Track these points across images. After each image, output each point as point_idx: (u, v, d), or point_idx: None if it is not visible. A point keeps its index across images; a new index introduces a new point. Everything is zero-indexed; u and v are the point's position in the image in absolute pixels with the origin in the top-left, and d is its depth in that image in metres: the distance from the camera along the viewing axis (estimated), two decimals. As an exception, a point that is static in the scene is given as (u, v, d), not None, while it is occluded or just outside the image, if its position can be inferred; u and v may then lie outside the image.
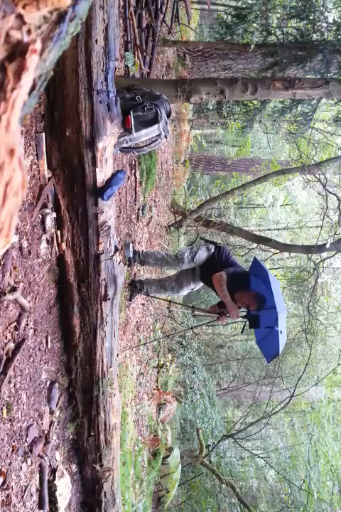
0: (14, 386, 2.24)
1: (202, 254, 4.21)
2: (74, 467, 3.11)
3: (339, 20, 6.04)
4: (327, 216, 8.34)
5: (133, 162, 4.95)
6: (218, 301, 4.44)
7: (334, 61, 5.72)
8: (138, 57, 4.42)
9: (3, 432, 2.14)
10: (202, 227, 8.96)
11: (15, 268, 2.20)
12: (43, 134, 2.38)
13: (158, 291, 4.53)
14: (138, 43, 4.41)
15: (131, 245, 4.40)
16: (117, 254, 2.79)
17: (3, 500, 2.13)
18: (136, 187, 5.07)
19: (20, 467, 2.30)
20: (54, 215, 2.54)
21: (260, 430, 10.44)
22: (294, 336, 11.75)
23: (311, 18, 5.79)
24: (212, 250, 4.22)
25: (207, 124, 12.22)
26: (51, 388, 2.69)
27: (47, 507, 2.56)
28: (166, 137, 2.95)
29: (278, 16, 6.18)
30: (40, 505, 2.50)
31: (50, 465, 2.69)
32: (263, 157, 14.17)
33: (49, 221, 2.47)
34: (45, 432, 2.62)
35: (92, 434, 3.03)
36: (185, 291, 4.59)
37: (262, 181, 9.11)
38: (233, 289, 3.91)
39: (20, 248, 2.25)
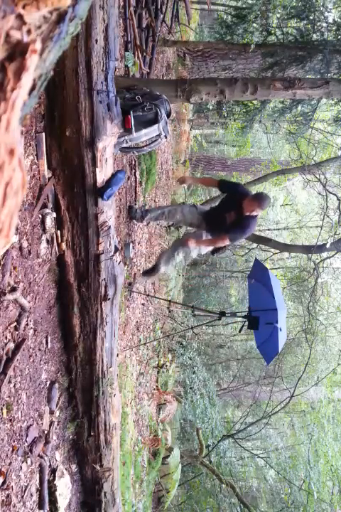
0: (14, 386, 2.24)
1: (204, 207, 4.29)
2: (74, 467, 3.11)
3: (339, 20, 6.04)
4: (327, 216, 8.34)
5: (133, 162, 4.94)
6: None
7: (334, 61, 5.72)
8: (138, 57, 4.42)
9: (3, 431, 2.14)
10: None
11: (15, 268, 2.20)
12: (43, 134, 2.38)
13: (161, 217, 4.35)
14: (138, 43, 4.41)
15: (131, 245, 4.40)
16: (117, 254, 2.79)
17: (3, 500, 2.13)
18: (136, 187, 5.07)
19: (20, 467, 2.30)
20: (54, 215, 2.54)
21: (260, 430, 10.44)
22: (294, 336, 11.76)
23: (311, 18, 5.79)
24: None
25: (207, 124, 12.22)
26: (51, 388, 2.69)
27: (47, 507, 2.56)
28: (166, 137, 2.95)
29: (278, 16, 6.18)
30: (40, 505, 2.50)
31: (50, 465, 2.69)
32: (263, 157, 14.17)
33: (49, 221, 2.47)
34: (45, 432, 2.62)
35: (92, 434, 3.03)
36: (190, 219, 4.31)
37: (262, 181, 9.11)
38: (235, 201, 3.88)
39: (20, 248, 2.25)
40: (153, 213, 4.30)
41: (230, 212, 3.88)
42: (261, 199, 3.74)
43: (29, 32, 0.53)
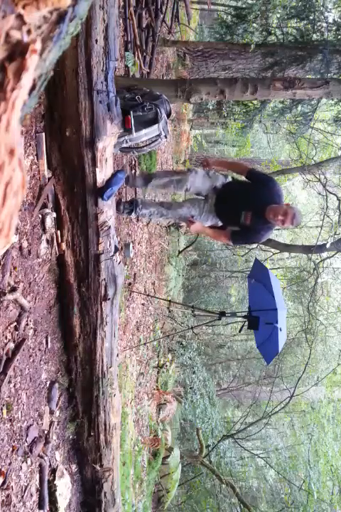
0: (14, 386, 2.24)
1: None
2: (74, 467, 3.11)
3: (339, 20, 6.04)
4: (327, 216, 8.35)
5: (133, 162, 4.94)
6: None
7: (334, 61, 5.72)
8: (138, 57, 4.43)
9: (3, 431, 2.14)
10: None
11: (15, 268, 2.20)
12: (43, 134, 2.38)
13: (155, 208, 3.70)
14: (138, 43, 4.41)
15: (131, 245, 4.40)
16: (117, 254, 2.79)
17: (3, 501, 2.13)
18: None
19: (20, 467, 2.30)
20: (54, 215, 2.54)
21: (260, 430, 10.45)
22: (294, 336, 11.76)
23: (311, 18, 5.80)
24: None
25: (207, 124, 12.21)
26: (51, 388, 2.69)
27: (47, 507, 2.56)
28: (166, 137, 2.95)
29: (278, 16, 6.18)
30: (40, 505, 2.50)
31: (50, 465, 2.69)
32: (263, 157, 14.17)
33: (49, 221, 2.47)
34: (45, 432, 2.62)
35: (92, 434, 3.03)
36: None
37: (262, 181, 9.09)
38: (260, 200, 3.31)
39: (20, 248, 2.25)
40: (150, 204, 3.73)
41: (248, 211, 3.28)
42: (296, 213, 3.14)
43: (29, 32, 0.53)
